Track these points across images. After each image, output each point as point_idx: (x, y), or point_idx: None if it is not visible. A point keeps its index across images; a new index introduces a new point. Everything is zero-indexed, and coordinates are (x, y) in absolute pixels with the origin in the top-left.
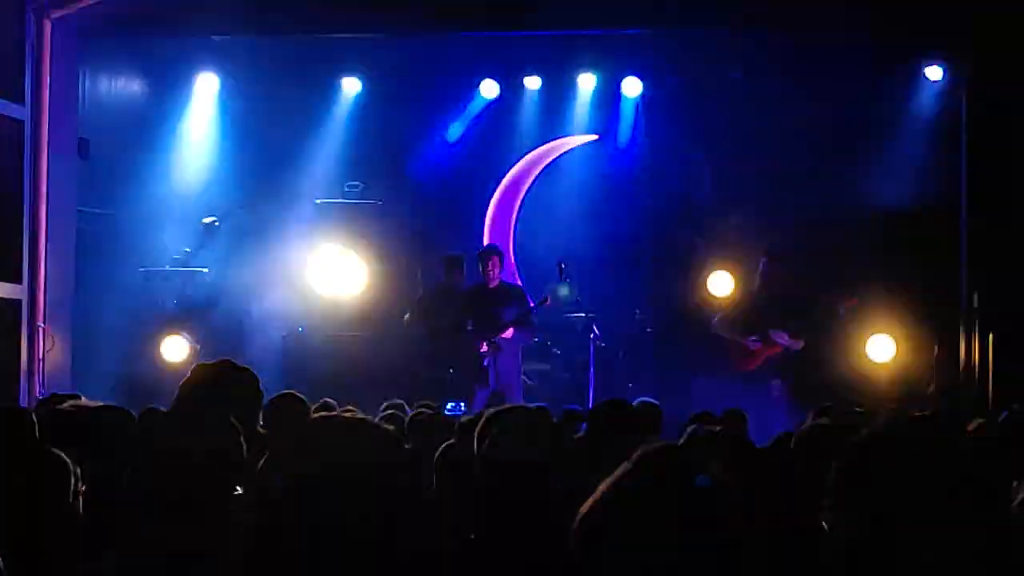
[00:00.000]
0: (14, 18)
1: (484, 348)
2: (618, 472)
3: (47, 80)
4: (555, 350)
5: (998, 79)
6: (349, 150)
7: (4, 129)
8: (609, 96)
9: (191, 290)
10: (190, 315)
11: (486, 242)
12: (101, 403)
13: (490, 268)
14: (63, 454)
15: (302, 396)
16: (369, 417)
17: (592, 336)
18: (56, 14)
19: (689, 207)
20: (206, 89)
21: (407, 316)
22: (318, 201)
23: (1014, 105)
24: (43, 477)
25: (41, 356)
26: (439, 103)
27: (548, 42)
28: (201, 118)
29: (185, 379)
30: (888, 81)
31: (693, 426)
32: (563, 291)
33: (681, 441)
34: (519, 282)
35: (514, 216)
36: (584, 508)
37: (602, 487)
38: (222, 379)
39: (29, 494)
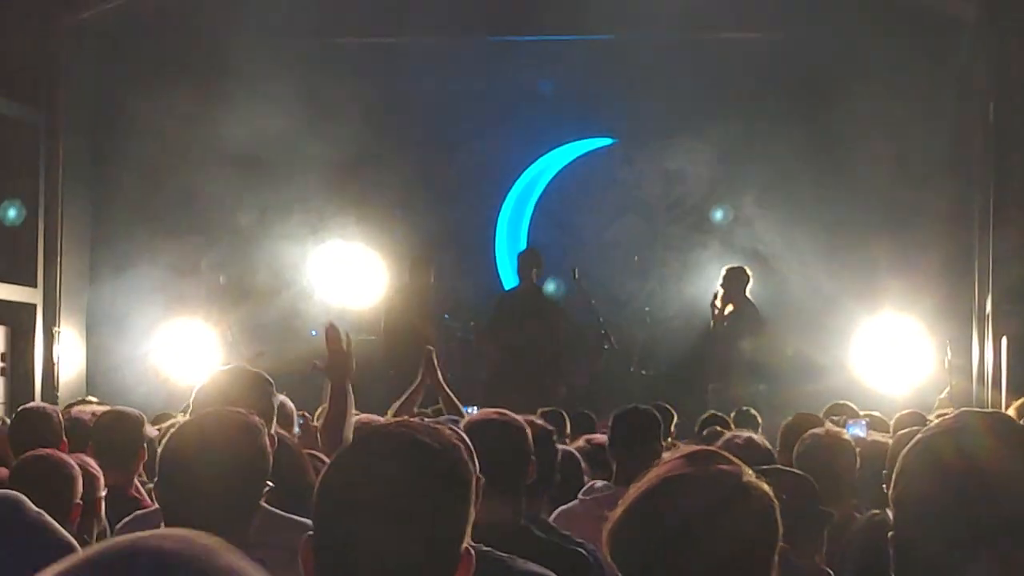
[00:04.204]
0: (30, 23)
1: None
2: (652, 479)
3: (64, 85)
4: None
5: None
6: (360, 150)
7: (20, 133)
8: (624, 99)
9: (207, 298)
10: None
11: (500, 245)
12: (114, 407)
13: (528, 273)
14: (72, 459)
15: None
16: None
17: (606, 347)
18: (74, 18)
19: (703, 211)
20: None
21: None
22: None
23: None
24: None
25: (56, 359)
26: (450, 105)
27: (563, 46)
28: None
29: (201, 385)
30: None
31: (728, 434)
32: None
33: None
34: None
35: (528, 219)
36: (615, 516)
37: (633, 495)
38: (236, 385)
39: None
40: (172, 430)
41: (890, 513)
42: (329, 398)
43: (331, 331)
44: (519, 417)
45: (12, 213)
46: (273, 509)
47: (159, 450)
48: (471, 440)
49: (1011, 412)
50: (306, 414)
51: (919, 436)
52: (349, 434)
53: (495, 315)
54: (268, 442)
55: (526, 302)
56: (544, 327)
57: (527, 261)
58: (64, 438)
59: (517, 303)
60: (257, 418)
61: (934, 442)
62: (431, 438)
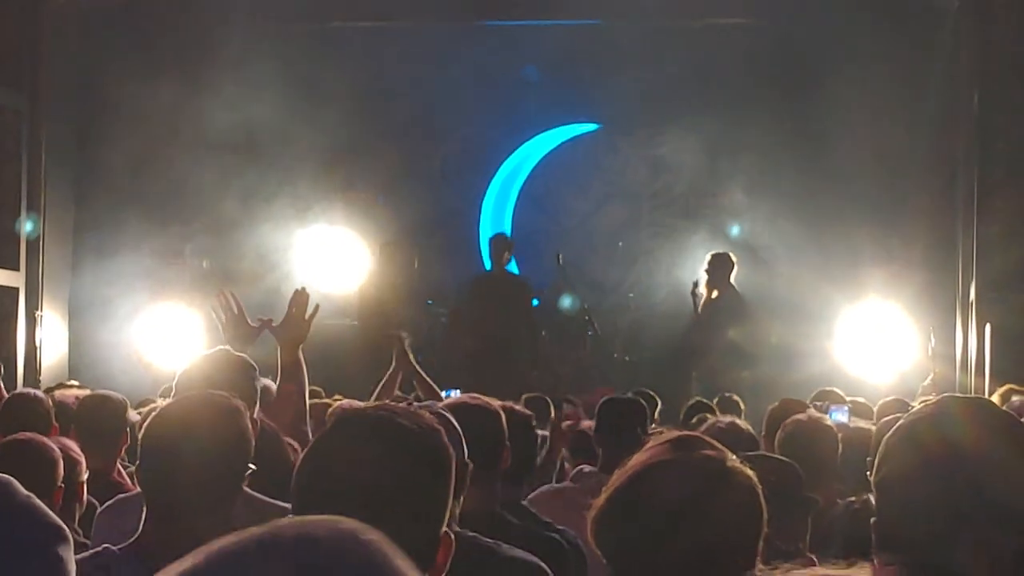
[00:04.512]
0: (13, 6)
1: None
2: (638, 462)
3: (46, 69)
4: (553, 344)
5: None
6: (346, 136)
7: (2, 118)
8: (609, 85)
9: (190, 284)
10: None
11: (484, 230)
12: (98, 391)
13: (498, 257)
14: (53, 442)
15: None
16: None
17: (589, 333)
18: (58, 2)
19: (688, 198)
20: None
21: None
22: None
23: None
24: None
25: (38, 343)
26: (435, 90)
27: (550, 31)
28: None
29: (183, 369)
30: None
31: (711, 420)
32: (566, 303)
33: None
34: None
35: (512, 205)
36: (599, 503)
37: (616, 482)
38: (219, 369)
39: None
40: (153, 413)
41: (873, 498)
42: (280, 369)
43: (299, 295)
44: (495, 402)
45: (29, 226)
46: (254, 493)
47: (140, 433)
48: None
49: (995, 399)
50: None
51: (901, 422)
52: (305, 408)
53: (465, 300)
54: (251, 425)
55: (497, 287)
56: (515, 311)
57: (498, 246)
58: (55, 423)
59: (488, 288)
60: (239, 401)
61: (916, 428)
62: (410, 421)
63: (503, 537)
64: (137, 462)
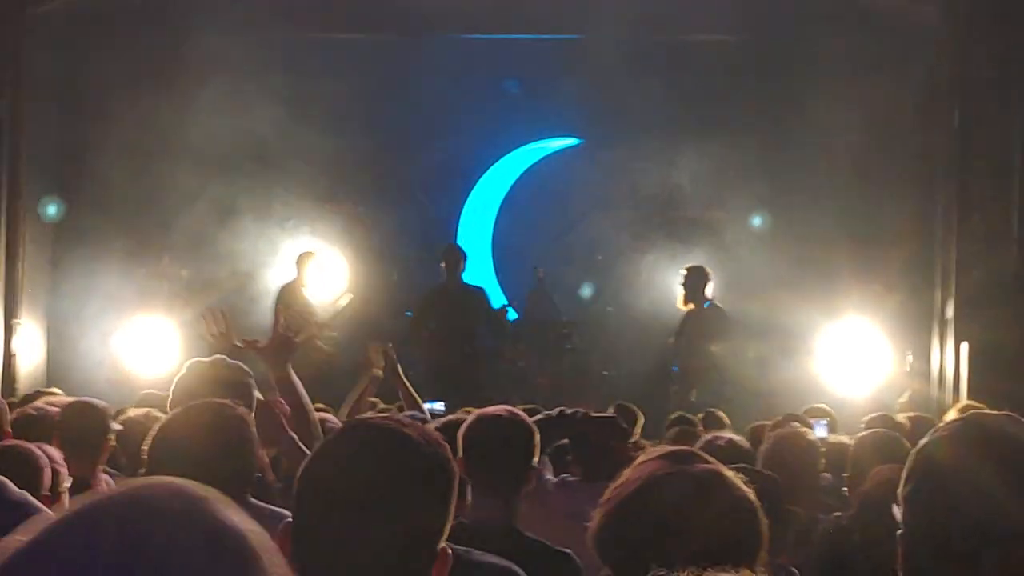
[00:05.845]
0: None
1: None
2: (635, 477)
3: (28, 77)
4: (534, 355)
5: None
6: (327, 147)
7: None
8: (591, 100)
9: (169, 293)
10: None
11: (464, 242)
12: (81, 398)
13: (455, 267)
14: (39, 450)
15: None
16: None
17: (567, 346)
18: (39, 9)
19: (668, 212)
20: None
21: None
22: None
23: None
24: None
25: (15, 351)
26: (417, 102)
27: (532, 45)
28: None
29: (180, 376)
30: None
31: (707, 436)
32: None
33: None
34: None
35: (492, 219)
36: (603, 512)
37: (622, 493)
38: (217, 376)
39: None
40: (159, 422)
41: (897, 511)
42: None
43: (283, 312)
44: (527, 417)
45: (52, 210)
46: (254, 500)
47: (148, 441)
48: (477, 435)
49: (952, 415)
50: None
51: (929, 437)
52: (316, 430)
53: (419, 309)
54: (255, 434)
55: (453, 298)
56: (473, 321)
57: (452, 256)
58: (8, 429)
59: (444, 299)
60: (244, 409)
61: (942, 443)
62: (417, 434)
63: (518, 550)
64: (142, 470)
